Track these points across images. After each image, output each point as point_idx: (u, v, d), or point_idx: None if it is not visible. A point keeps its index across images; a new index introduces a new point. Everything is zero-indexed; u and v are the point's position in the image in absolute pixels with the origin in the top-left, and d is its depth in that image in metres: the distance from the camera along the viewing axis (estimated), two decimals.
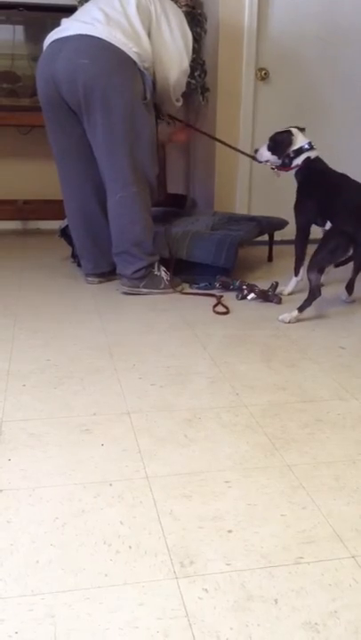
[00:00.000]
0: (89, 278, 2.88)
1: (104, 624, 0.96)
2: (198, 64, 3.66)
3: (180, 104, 2.88)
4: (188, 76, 3.58)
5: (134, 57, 2.50)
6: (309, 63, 3.74)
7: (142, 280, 2.70)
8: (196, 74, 3.64)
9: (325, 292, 2.84)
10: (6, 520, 1.20)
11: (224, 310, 2.55)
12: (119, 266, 2.74)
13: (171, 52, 2.59)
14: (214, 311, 2.55)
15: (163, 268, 2.77)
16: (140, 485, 1.32)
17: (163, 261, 2.81)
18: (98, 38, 2.45)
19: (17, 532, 1.16)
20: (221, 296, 2.70)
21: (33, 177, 3.94)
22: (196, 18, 3.60)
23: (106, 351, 2.08)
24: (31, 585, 1.03)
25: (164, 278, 2.75)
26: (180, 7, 3.50)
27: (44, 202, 3.88)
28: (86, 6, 2.60)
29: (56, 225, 3.33)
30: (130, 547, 1.13)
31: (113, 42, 2.45)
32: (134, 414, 1.64)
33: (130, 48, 2.48)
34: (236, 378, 1.88)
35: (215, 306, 2.57)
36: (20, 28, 3.69)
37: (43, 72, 2.58)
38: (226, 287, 2.74)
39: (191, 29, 3.55)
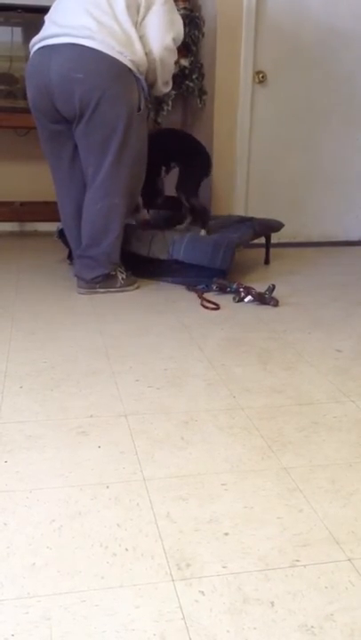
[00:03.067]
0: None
1: (100, 627, 0.96)
2: (196, 67, 3.67)
3: (168, 88, 2.85)
4: (187, 79, 3.62)
5: (130, 65, 2.49)
6: (307, 66, 3.75)
7: (99, 283, 2.74)
8: (193, 76, 3.66)
9: (321, 295, 2.85)
10: (3, 522, 1.20)
11: (213, 306, 2.57)
12: (80, 268, 2.75)
13: (153, 27, 2.55)
14: (203, 306, 2.58)
15: (119, 269, 2.79)
16: (136, 488, 1.32)
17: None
18: (91, 49, 2.40)
19: (13, 534, 1.16)
20: (204, 291, 2.72)
21: (30, 179, 3.93)
22: (193, 21, 3.62)
23: (103, 353, 2.08)
24: (27, 587, 1.03)
25: (120, 277, 2.78)
26: (178, 10, 3.52)
27: (42, 203, 3.87)
28: (69, 5, 2.49)
29: (53, 227, 3.33)
30: (126, 549, 1.13)
31: (108, 52, 2.42)
32: (131, 416, 1.64)
33: (125, 57, 2.46)
34: (233, 380, 1.88)
35: (202, 302, 2.61)
36: (17, 30, 3.69)
37: (34, 81, 2.54)
38: (223, 289, 2.75)
39: (189, 32, 3.59)
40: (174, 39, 2.62)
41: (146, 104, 2.65)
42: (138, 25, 2.53)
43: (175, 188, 3.08)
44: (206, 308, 2.58)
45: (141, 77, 2.57)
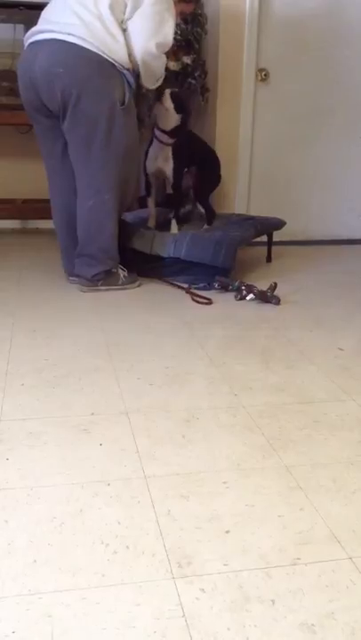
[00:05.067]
0: (70, 278, 2.88)
1: (101, 624, 0.96)
2: (198, 64, 3.66)
3: (155, 85, 2.82)
4: (189, 77, 3.61)
5: (111, 60, 2.50)
6: (310, 64, 3.74)
7: (100, 280, 2.76)
8: (196, 74, 3.64)
9: (322, 293, 2.85)
10: (4, 519, 1.20)
11: (205, 300, 2.60)
12: (80, 267, 2.76)
13: (136, 31, 2.52)
14: (194, 300, 2.61)
15: (120, 266, 2.80)
16: (137, 485, 1.32)
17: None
18: (72, 44, 2.43)
19: (15, 532, 1.16)
20: (189, 287, 2.76)
21: (32, 176, 3.92)
22: (196, 19, 3.60)
23: (104, 351, 2.08)
24: (29, 584, 1.04)
25: (121, 275, 2.79)
26: None
27: (43, 201, 3.86)
28: (58, 3, 2.53)
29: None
30: (127, 547, 1.13)
31: (88, 47, 2.44)
32: (132, 414, 1.64)
33: (105, 54, 2.48)
34: (235, 378, 1.88)
35: (192, 297, 2.65)
36: (20, 27, 3.69)
37: (22, 77, 2.59)
38: (225, 288, 2.74)
39: (192, 30, 3.58)
40: (159, 44, 2.57)
41: (130, 98, 2.63)
42: (124, 24, 2.51)
43: (192, 189, 3.11)
44: (198, 302, 2.60)
45: (126, 72, 2.57)
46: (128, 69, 2.57)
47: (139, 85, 2.74)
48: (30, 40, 2.55)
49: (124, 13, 2.49)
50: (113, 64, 2.50)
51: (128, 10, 2.49)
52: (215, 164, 3.31)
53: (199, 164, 3.20)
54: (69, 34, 2.44)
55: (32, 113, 2.67)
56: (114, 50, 2.48)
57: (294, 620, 0.97)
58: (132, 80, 2.61)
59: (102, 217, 2.69)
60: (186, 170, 3.12)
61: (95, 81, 2.49)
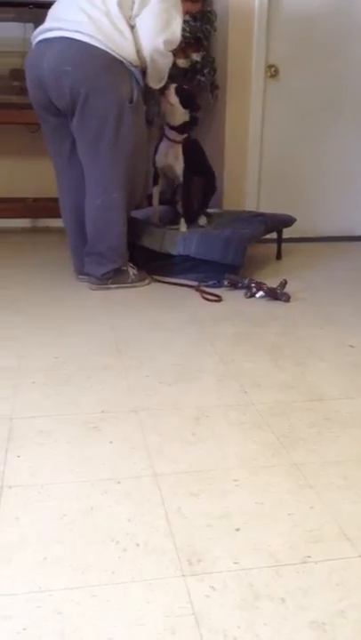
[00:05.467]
0: (80, 276, 2.89)
1: (111, 621, 0.96)
2: (208, 61, 3.65)
3: (160, 85, 2.81)
4: (198, 74, 3.60)
5: (119, 57, 2.50)
6: (320, 60, 3.72)
7: (110, 278, 2.76)
8: (205, 71, 3.64)
9: (332, 290, 2.83)
10: (15, 517, 1.20)
11: (215, 298, 2.60)
12: (89, 266, 2.77)
13: (144, 28, 2.51)
14: (204, 298, 2.62)
15: (130, 264, 2.81)
16: (147, 483, 1.32)
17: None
18: (80, 42, 2.43)
19: (25, 529, 1.17)
20: (199, 284, 2.76)
21: (42, 175, 3.93)
22: (206, 16, 3.60)
23: (114, 349, 2.08)
24: (39, 582, 1.04)
25: (131, 273, 2.79)
26: None
27: (53, 200, 3.86)
28: (65, 0, 2.53)
29: None
30: (137, 544, 1.13)
31: (96, 44, 2.44)
32: (142, 412, 1.64)
33: (113, 51, 2.47)
34: (244, 376, 1.88)
35: (202, 294, 2.65)
36: (30, 26, 3.69)
37: (30, 75, 2.59)
38: (234, 285, 2.74)
39: (201, 27, 3.57)
40: (166, 42, 2.56)
41: (139, 95, 2.63)
42: (132, 20, 2.50)
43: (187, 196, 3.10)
44: (208, 300, 2.61)
45: (135, 69, 2.57)
46: (136, 67, 2.57)
47: (145, 84, 2.74)
48: (38, 38, 2.55)
49: (132, 10, 2.48)
50: (121, 61, 2.50)
51: (136, 7, 2.48)
52: (213, 175, 3.28)
53: (205, 175, 3.19)
54: (77, 31, 2.43)
55: (40, 111, 2.68)
56: (122, 47, 2.48)
57: (305, 618, 0.97)
58: (140, 77, 2.61)
59: (111, 215, 2.69)
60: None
61: (103, 78, 2.49)
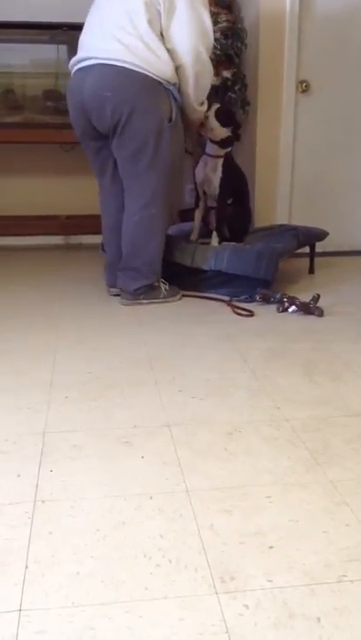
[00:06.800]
0: (111, 289, 2.93)
1: (144, 638, 0.95)
2: (239, 78, 3.68)
3: (204, 108, 2.84)
4: (229, 91, 3.63)
5: (157, 78, 2.53)
6: (352, 75, 3.71)
7: (142, 294, 2.78)
8: (236, 87, 3.66)
9: None
10: (48, 531, 1.21)
11: (247, 313, 2.60)
12: (123, 280, 2.80)
13: (181, 37, 2.50)
14: (236, 313, 2.62)
15: (161, 279, 2.83)
16: (180, 499, 1.31)
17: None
18: (118, 67, 2.49)
19: (58, 543, 1.17)
20: (230, 299, 2.76)
21: (75, 193, 4.00)
22: (236, 32, 3.63)
23: (146, 363, 2.08)
24: (72, 597, 1.04)
25: (163, 288, 2.81)
26: (221, 22, 3.54)
27: (86, 217, 3.93)
28: (96, 31, 2.56)
29: (98, 239, 3.37)
30: (170, 560, 1.12)
31: (133, 68, 2.48)
32: (174, 427, 1.63)
33: (150, 72, 2.51)
34: (277, 391, 1.86)
35: (234, 309, 2.65)
36: (63, 48, 3.78)
37: (73, 102, 2.67)
38: (266, 300, 2.73)
39: (232, 44, 3.60)
40: (205, 45, 2.55)
41: (178, 114, 2.65)
42: (165, 33, 2.50)
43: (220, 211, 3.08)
44: (240, 315, 2.60)
45: (173, 88, 2.60)
46: (174, 84, 2.60)
47: (184, 114, 2.75)
48: (76, 67, 2.63)
49: (160, 22, 2.50)
50: (159, 82, 2.54)
51: (164, 17, 2.48)
52: (247, 207, 3.25)
53: (240, 203, 3.16)
54: (114, 59, 2.49)
55: (82, 138, 2.78)
56: (157, 67, 2.52)
57: (340, 638, 0.95)
58: (178, 96, 2.64)
59: (148, 231, 2.72)
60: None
61: (143, 99, 2.53)
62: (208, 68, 2.66)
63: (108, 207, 2.89)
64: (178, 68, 2.57)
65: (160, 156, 2.62)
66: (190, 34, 2.51)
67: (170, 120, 2.61)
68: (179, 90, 2.65)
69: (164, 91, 2.58)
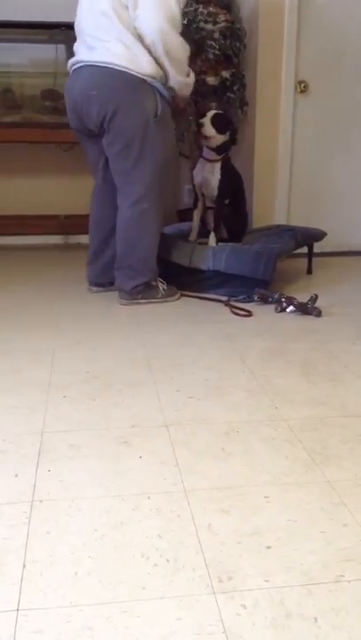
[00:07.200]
0: (92, 287, 2.99)
1: (142, 638, 0.95)
2: (237, 78, 3.68)
3: (191, 78, 2.80)
4: (228, 91, 3.63)
5: (140, 76, 2.57)
6: (350, 75, 3.71)
7: (140, 293, 2.80)
8: (235, 87, 3.66)
9: None
10: (46, 531, 1.21)
11: (245, 313, 2.60)
12: (120, 280, 2.82)
13: (145, 19, 2.50)
14: (234, 313, 2.62)
15: (159, 279, 2.84)
16: (177, 498, 1.31)
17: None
18: (102, 68, 2.57)
19: (56, 543, 1.17)
20: (228, 299, 2.76)
21: (74, 192, 4.00)
22: (235, 33, 3.63)
23: (144, 363, 2.09)
24: (69, 596, 1.04)
25: (161, 288, 2.83)
26: (220, 22, 3.54)
27: (85, 217, 3.91)
28: (82, 35, 2.65)
29: None
30: (168, 560, 1.12)
31: (117, 67, 2.55)
32: (172, 427, 1.64)
33: (133, 70, 2.56)
34: (275, 391, 1.86)
35: (232, 309, 2.66)
36: (61, 47, 3.77)
37: (67, 100, 2.76)
38: (265, 300, 2.73)
39: (230, 44, 3.60)
40: (169, 19, 2.52)
41: (164, 109, 2.66)
42: (134, 23, 2.52)
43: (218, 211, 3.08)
44: (238, 315, 2.61)
45: (157, 84, 2.62)
46: (160, 79, 2.62)
47: (174, 103, 2.77)
48: (72, 69, 2.73)
49: (131, 12, 2.51)
50: (143, 79, 2.58)
51: (131, 11, 2.51)
52: (244, 213, 3.24)
53: (235, 205, 3.16)
54: (99, 61, 2.58)
55: (76, 133, 2.85)
56: (139, 64, 2.56)
57: (337, 638, 0.95)
58: (164, 91, 2.66)
59: (141, 227, 2.74)
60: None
61: (126, 97, 2.58)
62: (176, 41, 2.63)
63: (94, 202, 2.95)
64: (150, 48, 2.57)
65: (148, 151, 2.65)
66: (154, 15, 2.52)
67: (155, 115, 2.63)
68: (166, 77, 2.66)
69: (149, 87, 2.61)
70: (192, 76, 2.80)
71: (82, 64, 2.64)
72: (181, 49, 2.66)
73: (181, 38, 2.64)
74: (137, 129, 2.61)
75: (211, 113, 2.95)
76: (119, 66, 2.54)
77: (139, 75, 2.56)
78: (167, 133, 2.73)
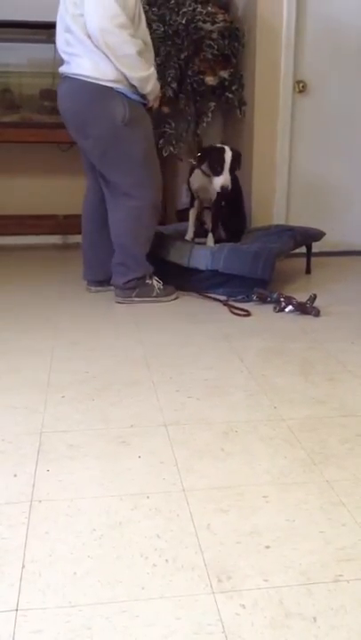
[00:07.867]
0: (90, 287, 3.02)
1: (141, 637, 0.95)
2: (236, 78, 3.68)
3: (149, 73, 2.68)
4: (227, 91, 3.62)
5: (105, 84, 2.60)
6: (349, 74, 3.71)
7: (134, 290, 2.82)
8: (233, 87, 3.66)
9: None
10: (45, 531, 1.21)
11: (244, 313, 2.61)
12: (114, 277, 2.87)
13: (89, 19, 2.50)
14: (233, 313, 2.63)
15: (155, 278, 2.86)
16: (176, 498, 1.31)
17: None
18: (73, 79, 2.64)
19: (55, 543, 1.17)
20: (227, 299, 2.77)
21: (72, 192, 3.99)
22: (233, 32, 3.63)
23: (143, 363, 2.09)
24: (68, 596, 1.04)
25: (156, 287, 2.84)
26: (219, 22, 3.54)
27: None
28: (58, 45, 2.73)
29: None
30: (166, 560, 1.12)
31: (84, 79, 2.60)
32: (171, 427, 1.64)
33: (98, 79, 2.59)
34: (274, 391, 1.86)
35: (230, 309, 2.67)
36: None
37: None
38: (263, 300, 2.73)
39: (229, 44, 3.60)
40: (111, 17, 2.48)
41: (131, 115, 2.65)
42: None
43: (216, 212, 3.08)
44: (236, 314, 2.61)
45: (124, 89, 2.63)
46: (125, 83, 2.62)
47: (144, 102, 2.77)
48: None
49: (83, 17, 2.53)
50: (109, 87, 2.61)
51: (80, 8, 2.53)
52: (242, 215, 3.27)
53: (233, 207, 3.17)
54: (71, 73, 2.65)
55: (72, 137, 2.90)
56: (102, 71, 2.58)
57: (336, 637, 0.95)
58: (133, 95, 2.66)
59: (129, 225, 2.78)
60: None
61: (92, 108, 2.65)
62: (119, 38, 2.55)
63: (85, 202, 3.00)
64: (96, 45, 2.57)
65: (125, 155, 2.69)
66: (92, 16, 2.51)
67: (123, 120, 2.64)
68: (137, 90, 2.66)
69: (115, 94, 2.63)
70: (152, 69, 2.71)
71: (63, 75, 2.73)
72: (127, 45, 2.57)
73: (126, 34, 2.54)
74: (107, 136, 2.67)
75: (228, 157, 2.88)
76: (87, 77, 2.61)
77: (104, 83, 2.60)
78: (143, 132, 2.74)
